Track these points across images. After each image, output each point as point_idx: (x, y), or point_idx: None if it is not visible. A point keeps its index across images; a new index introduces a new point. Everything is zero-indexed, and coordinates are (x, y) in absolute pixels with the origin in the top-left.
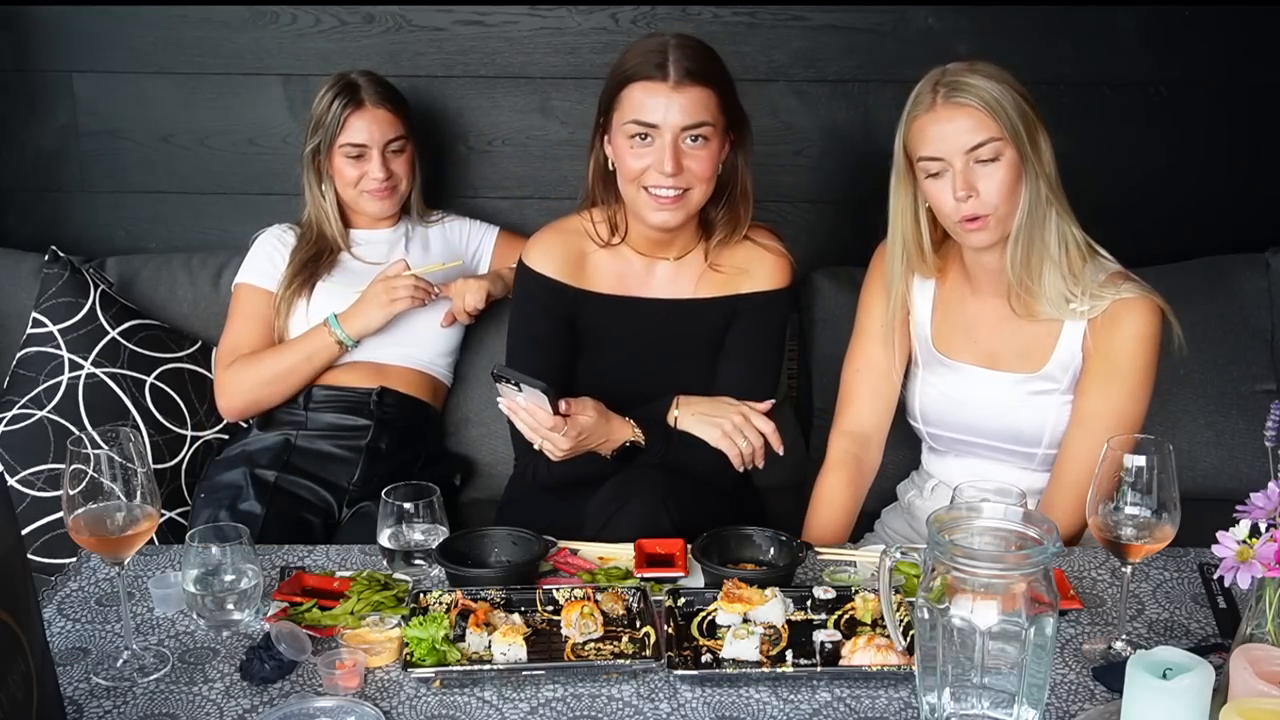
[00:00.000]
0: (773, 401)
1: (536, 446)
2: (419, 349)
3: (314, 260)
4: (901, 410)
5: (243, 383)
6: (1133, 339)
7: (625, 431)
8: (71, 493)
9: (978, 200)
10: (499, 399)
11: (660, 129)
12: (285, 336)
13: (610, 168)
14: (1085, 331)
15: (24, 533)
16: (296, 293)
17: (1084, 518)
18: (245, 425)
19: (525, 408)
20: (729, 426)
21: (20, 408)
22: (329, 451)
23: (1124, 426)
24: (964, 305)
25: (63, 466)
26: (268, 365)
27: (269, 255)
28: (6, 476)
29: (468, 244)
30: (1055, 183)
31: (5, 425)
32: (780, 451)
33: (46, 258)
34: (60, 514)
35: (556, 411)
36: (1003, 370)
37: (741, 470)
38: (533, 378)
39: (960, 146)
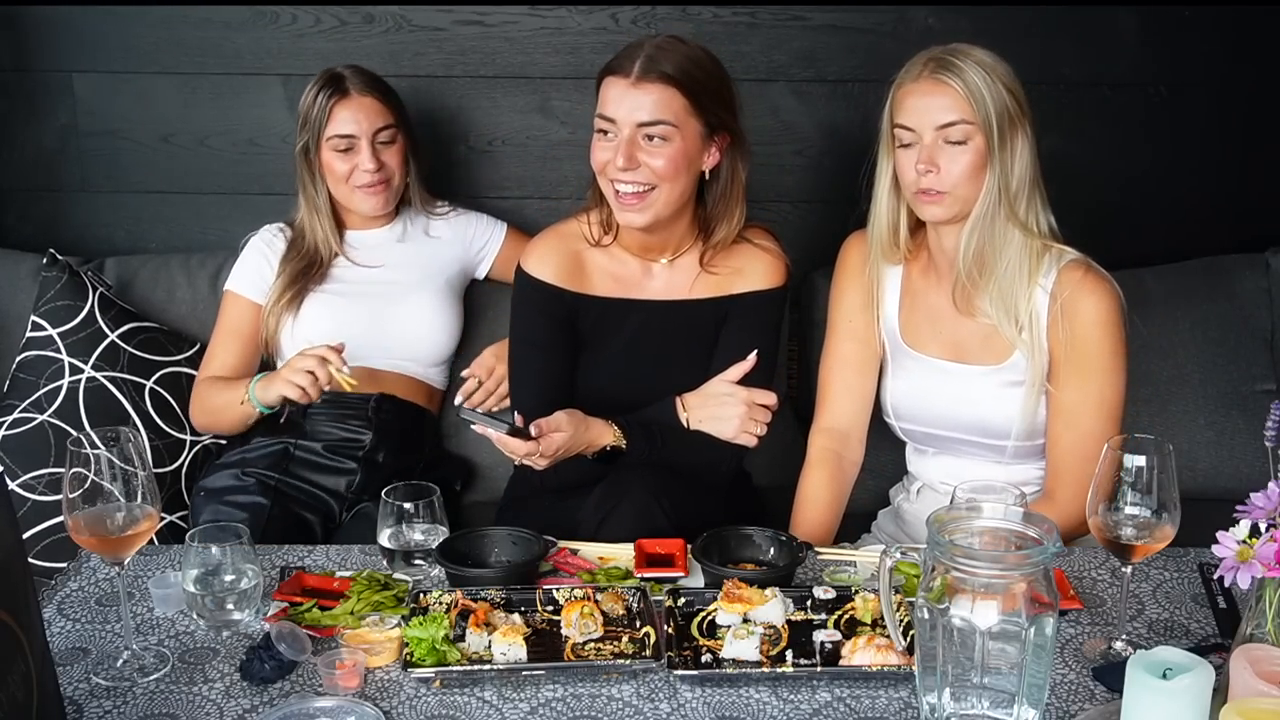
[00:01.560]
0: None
1: (517, 464)
2: (412, 362)
3: (303, 274)
4: (880, 410)
5: (199, 404)
6: (1094, 325)
7: (606, 435)
8: (71, 495)
9: (937, 176)
10: (473, 427)
11: (618, 124)
12: (275, 347)
13: None
14: (1045, 325)
15: (24, 536)
16: (286, 308)
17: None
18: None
19: (497, 437)
20: (737, 424)
21: (20, 411)
22: (328, 460)
23: (1106, 411)
24: (929, 295)
25: (63, 470)
26: (212, 396)
27: (257, 265)
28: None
29: (475, 239)
30: (1018, 191)
31: (5, 429)
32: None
33: (45, 261)
34: (61, 518)
35: (528, 438)
36: (968, 363)
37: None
38: (495, 419)
39: (932, 122)
